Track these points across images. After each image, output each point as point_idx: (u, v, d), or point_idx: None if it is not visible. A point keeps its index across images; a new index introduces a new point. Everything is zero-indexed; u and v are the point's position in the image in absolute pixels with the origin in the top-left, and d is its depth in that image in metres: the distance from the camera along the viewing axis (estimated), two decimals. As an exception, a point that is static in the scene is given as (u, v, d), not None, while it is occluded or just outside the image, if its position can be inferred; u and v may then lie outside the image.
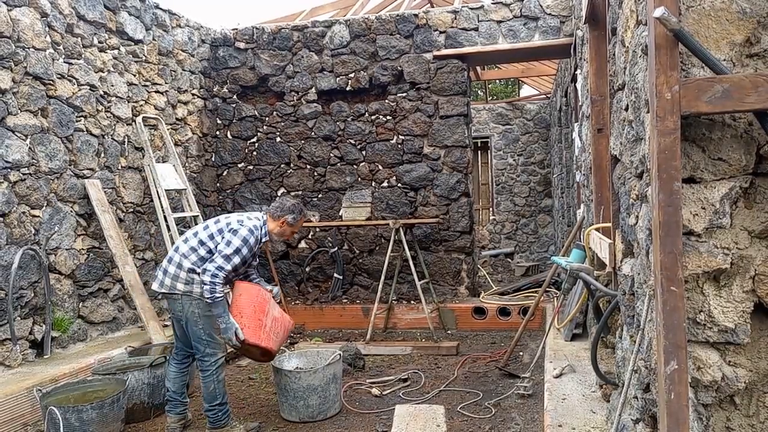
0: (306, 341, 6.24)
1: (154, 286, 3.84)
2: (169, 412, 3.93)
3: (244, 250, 3.75)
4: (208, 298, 3.64)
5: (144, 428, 4.15)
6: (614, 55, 2.68)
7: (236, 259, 3.71)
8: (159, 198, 5.84)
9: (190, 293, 3.75)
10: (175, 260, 3.78)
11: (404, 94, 7.07)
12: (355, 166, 7.27)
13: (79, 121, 5.39)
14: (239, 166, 7.60)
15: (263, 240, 3.90)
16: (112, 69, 5.82)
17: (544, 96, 12.53)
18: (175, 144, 6.86)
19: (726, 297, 1.70)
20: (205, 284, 3.62)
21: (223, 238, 3.77)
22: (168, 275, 3.77)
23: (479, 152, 13.21)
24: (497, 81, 18.50)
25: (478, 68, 9.75)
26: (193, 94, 7.25)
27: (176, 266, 3.76)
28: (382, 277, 6.45)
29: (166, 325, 5.73)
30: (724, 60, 1.67)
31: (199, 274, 3.71)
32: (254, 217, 3.92)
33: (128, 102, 6.04)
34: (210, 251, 3.77)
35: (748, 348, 1.71)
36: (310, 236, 7.48)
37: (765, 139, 1.67)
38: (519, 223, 12.64)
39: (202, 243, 3.79)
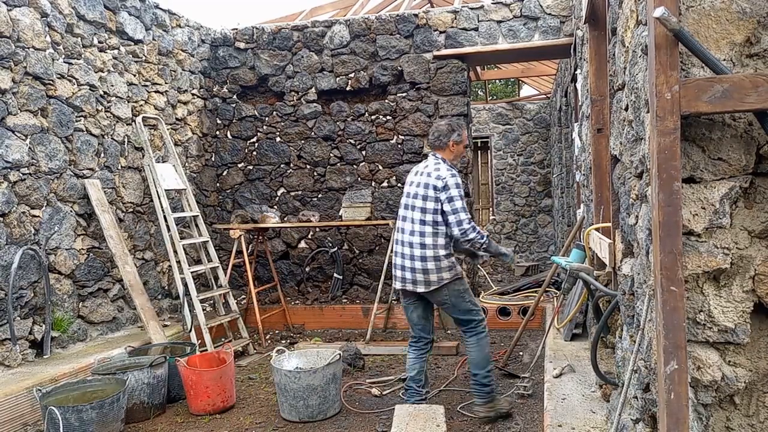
0: (306, 341, 6.24)
1: (420, 289, 3.78)
2: (407, 400, 3.91)
3: (462, 192, 3.77)
4: (483, 242, 3.72)
5: (144, 428, 4.15)
6: (614, 55, 2.68)
7: (465, 204, 3.77)
8: (159, 198, 5.84)
9: (451, 277, 3.77)
10: (429, 255, 3.71)
11: (404, 94, 7.07)
12: (355, 166, 7.27)
13: (79, 121, 5.39)
14: (239, 166, 7.60)
15: None
16: (112, 69, 5.82)
17: (544, 96, 12.52)
18: (175, 144, 6.86)
19: (726, 297, 1.70)
20: (472, 238, 3.67)
21: (437, 200, 3.72)
22: (431, 272, 3.72)
23: (479, 152, 13.21)
24: (497, 81, 18.51)
25: (478, 68, 9.75)
26: (193, 94, 7.25)
27: (433, 260, 3.71)
28: (382, 277, 6.45)
29: (165, 325, 5.75)
30: (724, 60, 1.67)
31: (443, 257, 3.72)
32: (434, 163, 3.86)
33: (128, 102, 6.04)
34: (435, 222, 3.73)
35: (747, 348, 1.71)
36: (309, 236, 7.48)
37: (765, 139, 1.67)
38: (519, 223, 12.64)
39: (423, 222, 3.74)
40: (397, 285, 3.92)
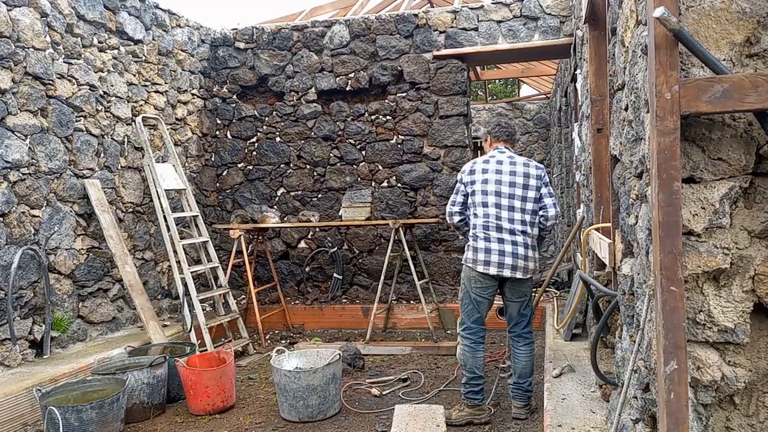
0: (306, 341, 6.24)
1: (518, 275, 3.80)
2: (520, 399, 3.94)
3: None
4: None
5: (143, 428, 4.15)
6: (614, 55, 2.68)
7: None
8: (159, 198, 5.84)
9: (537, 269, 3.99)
10: (530, 243, 3.84)
11: (404, 94, 7.07)
12: (354, 166, 7.27)
13: (79, 121, 5.38)
14: (239, 166, 7.60)
15: None
16: (111, 69, 5.82)
17: (544, 96, 12.53)
18: (175, 144, 6.86)
19: (726, 297, 1.70)
20: (554, 223, 3.91)
21: (538, 189, 3.88)
22: (530, 260, 3.84)
23: (479, 152, 13.22)
24: (497, 81, 18.51)
25: (477, 68, 9.75)
26: (192, 94, 7.25)
27: (533, 249, 3.86)
28: (382, 277, 6.45)
29: (165, 325, 5.75)
30: (724, 60, 1.67)
31: (537, 247, 3.94)
32: (519, 155, 4.04)
33: (128, 102, 6.04)
34: (535, 212, 3.89)
35: (747, 348, 1.71)
36: (309, 236, 7.48)
37: (765, 139, 1.66)
38: (519, 223, 12.62)
39: (524, 211, 3.84)
40: (492, 270, 3.81)
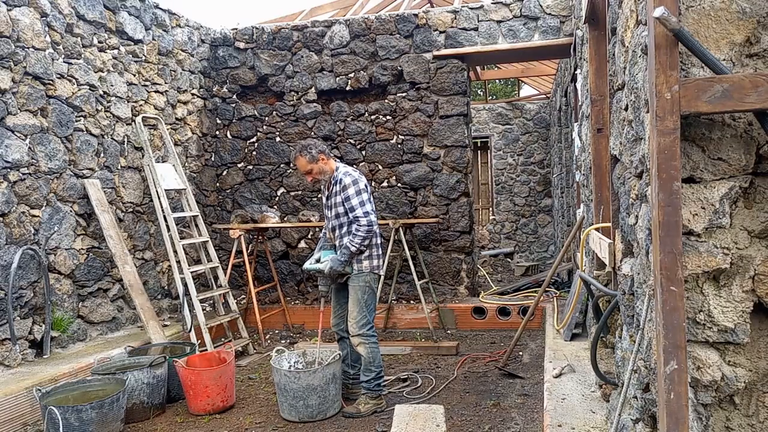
0: (306, 341, 6.24)
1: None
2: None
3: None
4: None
5: (143, 428, 4.15)
6: (614, 55, 2.68)
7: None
8: (159, 198, 5.84)
9: None
10: None
11: (404, 94, 7.07)
12: (354, 166, 7.26)
13: (79, 120, 5.38)
14: (239, 165, 7.60)
15: None
16: (111, 69, 5.82)
17: (544, 96, 12.53)
18: (175, 144, 6.86)
19: (726, 297, 1.70)
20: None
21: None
22: None
23: (479, 152, 13.22)
24: (497, 81, 18.52)
25: (477, 68, 9.75)
26: (192, 94, 7.24)
27: None
28: (382, 277, 6.43)
29: (165, 325, 5.75)
30: (724, 60, 1.67)
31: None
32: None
33: (128, 102, 6.04)
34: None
35: (747, 348, 1.71)
36: (309, 236, 7.48)
37: (765, 138, 1.66)
38: (519, 223, 12.64)
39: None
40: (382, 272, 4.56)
